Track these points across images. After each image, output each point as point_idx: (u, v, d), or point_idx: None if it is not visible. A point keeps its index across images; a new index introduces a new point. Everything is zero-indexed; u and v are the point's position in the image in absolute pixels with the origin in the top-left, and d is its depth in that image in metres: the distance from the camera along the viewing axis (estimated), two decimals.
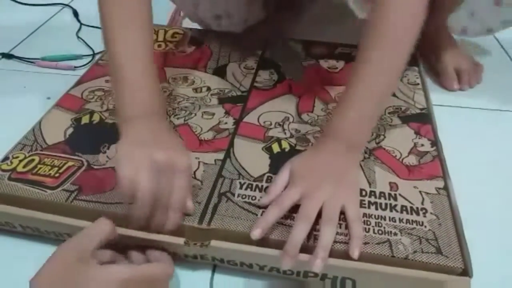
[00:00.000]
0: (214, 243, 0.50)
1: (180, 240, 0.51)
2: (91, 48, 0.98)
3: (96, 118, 0.66)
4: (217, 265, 0.55)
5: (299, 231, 0.48)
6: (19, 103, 0.81)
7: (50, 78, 0.89)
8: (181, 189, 0.50)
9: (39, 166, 0.58)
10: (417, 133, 0.65)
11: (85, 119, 0.66)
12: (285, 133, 0.64)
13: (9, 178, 0.56)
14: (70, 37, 1.04)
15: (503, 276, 0.55)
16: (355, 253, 0.48)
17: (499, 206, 0.62)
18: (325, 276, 0.51)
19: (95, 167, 0.58)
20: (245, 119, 0.67)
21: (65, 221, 0.52)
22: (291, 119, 0.67)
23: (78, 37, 1.04)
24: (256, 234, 0.49)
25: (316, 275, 0.51)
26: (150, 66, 0.56)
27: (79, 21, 1.11)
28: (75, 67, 0.91)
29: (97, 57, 0.90)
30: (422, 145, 0.63)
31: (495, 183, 0.66)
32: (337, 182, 0.52)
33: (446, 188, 0.57)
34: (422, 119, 0.67)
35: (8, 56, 0.96)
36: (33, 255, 0.55)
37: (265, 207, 0.53)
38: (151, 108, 0.55)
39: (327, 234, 0.48)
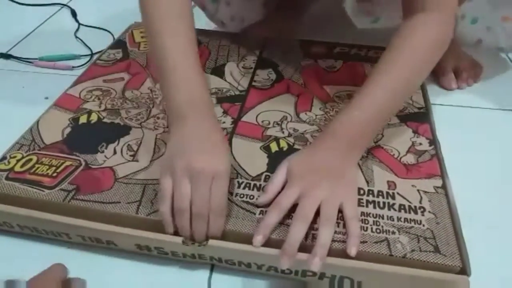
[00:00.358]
0: (212, 242, 0.50)
1: (178, 239, 0.51)
2: (89, 48, 0.97)
3: (94, 117, 0.66)
4: (215, 265, 0.55)
5: (297, 231, 0.48)
6: (17, 103, 0.81)
7: (48, 78, 0.89)
8: (218, 194, 0.49)
9: (36, 165, 0.58)
10: (415, 132, 0.65)
11: (82, 119, 0.66)
12: (283, 132, 0.64)
13: (7, 178, 0.56)
14: (68, 37, 1.04)
15: (502, 274, 0.54)
16: (353, 251, 0.48)
17: (497, 205, 0.62)
18: (324, 275, 0.51)
19: (92, 166, 0.58)
20: (243, 119, 0.67)
21: (63, 220, 0.52)
22: (289, 118, 0.67)
23: (76, 37, 1.04)
24: (258, 241, 0.49)
25: (314, 274, 0.51)
26: (198, 59, 0.57)
27: (77, 21, 1.11)
28: (73, 67, 0.91)
29: (95, 57, 0.90)
30: (420, 144, 0.63)
31: (493, 182, 0.65)
32: (334, 180, 0.52)
33: (444, 187, 0.56)
34: (420, 118, 0.67)
35: (6, 56, 0.95)
36: (31, 254, 0.56)
37: (262, 206, 0.53)
38: (200, 102, 0.55)
39: (325, 233, 0.48)
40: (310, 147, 0.58)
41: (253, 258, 0.51)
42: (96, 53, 0.94)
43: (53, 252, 0.56)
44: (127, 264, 0.55)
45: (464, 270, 0.48)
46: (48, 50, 0.95)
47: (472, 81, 0.86)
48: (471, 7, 0.75)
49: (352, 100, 0.56)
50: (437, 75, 0.86)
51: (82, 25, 1.09)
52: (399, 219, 0.52)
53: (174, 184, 0.50)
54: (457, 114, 0.80)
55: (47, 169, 0.57)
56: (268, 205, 0.52)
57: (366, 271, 0.49)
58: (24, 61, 0.94)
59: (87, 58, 0.93)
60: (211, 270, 0.55)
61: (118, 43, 0.85)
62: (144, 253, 0.54)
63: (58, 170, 0.57)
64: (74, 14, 1.14)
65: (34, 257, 0.55)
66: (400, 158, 0.60)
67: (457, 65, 0.86)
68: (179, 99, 0.54)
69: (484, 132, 0.75)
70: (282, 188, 0.53)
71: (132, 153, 0.60)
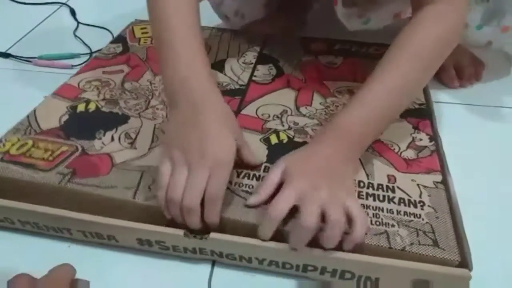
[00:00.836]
0: (213, 235, 0.50)
1: (180, 232, 0.50)
2: (88, 46, 0.97)
3: (92, 106, 0.65)
4: (216, 262, 0.54)
5: (302, 239, 0.47)
6: (16, 102, 0.79)
7: (47, 77, 0.88)
8: (214, 184, 0.47)
9: (32, 149, 0.57)
10: (416, 127, 0.64)
11: (80, 107, 0.65)
12: (283, 125, 0.64)
13: (1, 160, 0.55)
14: (67, 36, 1.03)
15: (505, 270, 0.54)
16: (348, 247, 0.47)
17: (499, 203, 0.62)
18: (325, 270, 0.51)
19: (89, 152, 0.57)
20: (243, 112, 0.66)
21: (64, 213, 0.51)
22: (289, 112, 0.66)
23: (75, 35, 1.03)
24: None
25: (315, 268, 0.51)
26: (201, 39, 0.56)
27: (76, 19, 1.10)
28: (72, 65, 0.89)
29: (94, 55, 0.90)
30: (421, 139, 0.62)
31: (495, 180, 0.65)
32: (335, 181, 0.50)
33: (444, 182, 0.56)
34: (421, 114, 0.66)
35: (5, 55, 0.94)
36: (31, 254, 0.55)
37: (253, 207, 0.51)
38: (205, 85, 0.53)
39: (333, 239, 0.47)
40: (309, 146, 0.55)
41: (254, 252, 0.50)
42: (95, 51, 0.93)
43: (54, 251, 0.55)
44: (127, 263, 0.54)
45: (463, 264, 0.47)
46: (47, 49, 0.94)
47: (474, 79, 0.85)
48: (471, 19, 0.74)
49: (354, 98, 0.55)
50: (438, 73, 0.85)
51: (81, 23, 1.08)
52: (398, 212, 0.52)
53: (172, 171, 0.49)
54: (459, 112, 0.79)
55: (43, 153, 0.56)
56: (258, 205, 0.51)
57: (368, 264, 0.48)
58: (23, 60, 0.93)
59: (86, 57, 0.92)
60: (212, 265, 0.54)
61: (118, 38, 0.84)
62: (145, 249, 0.54)
63: (54, 155, 0.56)
64: (73, 12, 1.13)
65: (34, 257, 0.54)
66: (401, 153, 0.60)
67: (458, 63, 0.84)
68: (181, 80, 0.53)
69: (486, 130, 0.75)
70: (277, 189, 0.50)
71: (130, 140, 0.59)
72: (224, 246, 0.51)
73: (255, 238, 0.49)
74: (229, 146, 0.50)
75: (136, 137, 0.60)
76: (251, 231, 0.49)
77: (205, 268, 0.54)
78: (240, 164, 0.55)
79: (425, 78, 0.58)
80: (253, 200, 0.51)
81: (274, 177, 0.50)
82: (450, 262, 0.47)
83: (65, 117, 0.63)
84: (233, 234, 0.50)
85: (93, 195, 0.52)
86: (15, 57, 0.94)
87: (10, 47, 0.99)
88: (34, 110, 0.64)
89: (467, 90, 0.85)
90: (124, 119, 0.63)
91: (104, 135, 0.60)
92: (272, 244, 0.49)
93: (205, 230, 0.50)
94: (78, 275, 0.43)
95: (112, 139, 0.59)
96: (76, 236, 0.55)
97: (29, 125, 0.61)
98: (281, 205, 0.47)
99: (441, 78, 0.86)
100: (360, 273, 0.50)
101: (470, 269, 0.47)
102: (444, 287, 0.49)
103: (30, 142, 0.58)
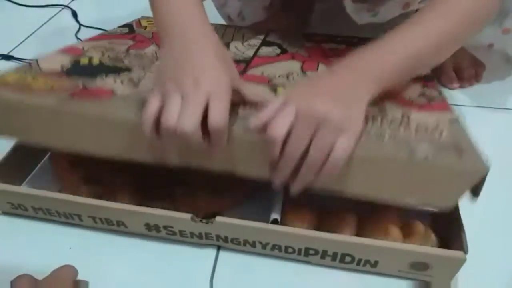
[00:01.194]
0: (218, 219, 0.51)
1: (187, 216, 0.52)
2: None
3: (95, 61, 0.64)
4: (221, 248, 0.56)
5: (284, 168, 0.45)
6: None
7: None
8: (215, 113, 0.44)
9: (32, 82, 0.55)
10: (425, 86, 0.63)
11: (84, 61, 0.64)
12: (289, 82, 0.62)
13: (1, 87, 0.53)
14: (69, 38, 1.04)
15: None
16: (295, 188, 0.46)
17: (499, 204, 0.61)
18: (326, 253, 0.51)
19: (90, 86, 0.55)
20: (248, 72, 0.65)
21: (75, 199, 0.54)
22: (295, 74, 0.65)
23: (77, 38, 1.04)
24: None
25: (316, 252, 0.51)
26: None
27: (78, 22, 1.11)
28: None
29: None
30: (431, 92, 0.61)
31: (495, 181, 0.61)
32: (339, 100, 0.45)
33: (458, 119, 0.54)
34: (428, 78, 0.65)
35: (8, 57, 0.96)
36: (34, 249, 0.55)
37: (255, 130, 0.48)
38: (198, 17, 0.51)
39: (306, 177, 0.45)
40: (314, 76, 0.53)
41: (258, 235, 0.52)
42: None
43: (54, 252, 0.55)
44: (127, 263, 0.55)
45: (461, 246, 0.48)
46: (49, 51, 0.95)
47: (474, 80, 0.86)
48: None
49: (373, 42, 0.51)
50: (437, 74, 0.86)
51: (83, 26, 1.09)
52: (417, 135, 0.49)
53: (164, 101, 0.45)
54: (458, 113, 0.77)
55: (43, 85, 0.54)
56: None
57: (367, 247, 0.49)
58: (25, 62, 0.93)
59: None
60: (213, 271, 0.54)
61: (126, 25, 0.85)
62: (152, 234, 0.56)
63: (54, 87, 0.54)
64: (75, 15, 1.15)
65: (36, 258, 0.54)
66: (412, 101, 0.58)
67: (458, 64, 0.85)
68: (176, 21, 0.51)
69: (486, 132, 0.72)
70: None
71: (133, 84, 0.57)
72: (229, 230, 0.53)
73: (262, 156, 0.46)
74: (225, 77, 0.47)
75: (139, 82, 0.58)
76: (256, 148, 0.47)
77: (211, 252, 0.56)
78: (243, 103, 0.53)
79: (454, 36, 0.55)
80: (253, 121, 0.46)
81: (276, 102, 0.46)
82: (476, 174, 0.45)
83: (68, 66, 0.62)
84: (238, 152, 0.49)
85: (93, 116, 0.49)
86: (17, 59, 0.95)
87: (13, 49, 1.00)
88: (37, 60, 0.63)
89: (467, 91, 0.85)
90: (128, 69, 0.62)
91: (106, 76, 0.58)
92: (275, 228, 0.51)
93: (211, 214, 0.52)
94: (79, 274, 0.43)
95: (115, 81, 0.58)
96: (87, 222, 0.57)
97: (30, 66, 0.59)
98: (280, 122, 0.44)
99: (441, 79, 0.86)
100: (360, 256, 0.51)
101: (466, 252, 0.47)
102: (440, 269, 0.49)
103: (30, 77, 0.56)
